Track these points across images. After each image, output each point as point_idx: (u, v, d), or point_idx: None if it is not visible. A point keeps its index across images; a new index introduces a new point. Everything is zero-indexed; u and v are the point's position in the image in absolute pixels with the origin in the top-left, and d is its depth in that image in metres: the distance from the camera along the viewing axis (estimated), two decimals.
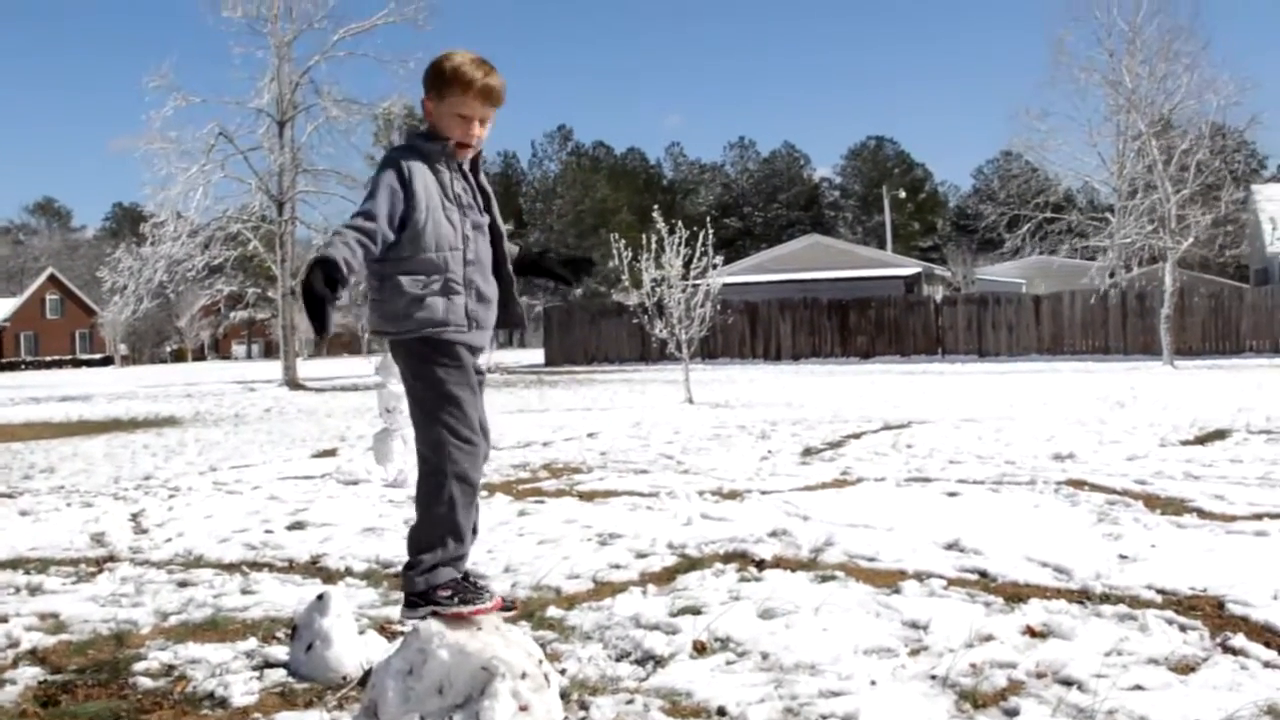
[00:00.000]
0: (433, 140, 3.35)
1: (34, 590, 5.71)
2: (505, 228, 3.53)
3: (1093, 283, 36.29)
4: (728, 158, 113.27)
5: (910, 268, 45.14)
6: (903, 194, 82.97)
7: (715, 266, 20.15)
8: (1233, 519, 6.55)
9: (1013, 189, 39.99)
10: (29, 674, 4.26)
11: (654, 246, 19.58)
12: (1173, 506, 7.02)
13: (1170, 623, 4.40)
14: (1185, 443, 10.61)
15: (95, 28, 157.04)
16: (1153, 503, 7.16)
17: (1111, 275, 36.84)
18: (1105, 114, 36.72)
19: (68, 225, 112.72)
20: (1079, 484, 8.00)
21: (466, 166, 3.42)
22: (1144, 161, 32.97)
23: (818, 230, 71.42)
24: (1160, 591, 4.89)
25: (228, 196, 33.71)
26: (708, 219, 20.84)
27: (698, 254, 19.70)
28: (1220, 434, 11.21)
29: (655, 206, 20.56)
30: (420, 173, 3.26)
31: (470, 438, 3.31)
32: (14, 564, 6.38)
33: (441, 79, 3.31)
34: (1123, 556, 5.58)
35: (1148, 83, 33.34)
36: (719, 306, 21.22)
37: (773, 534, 6.37)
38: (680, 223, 19.92)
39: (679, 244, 19.51)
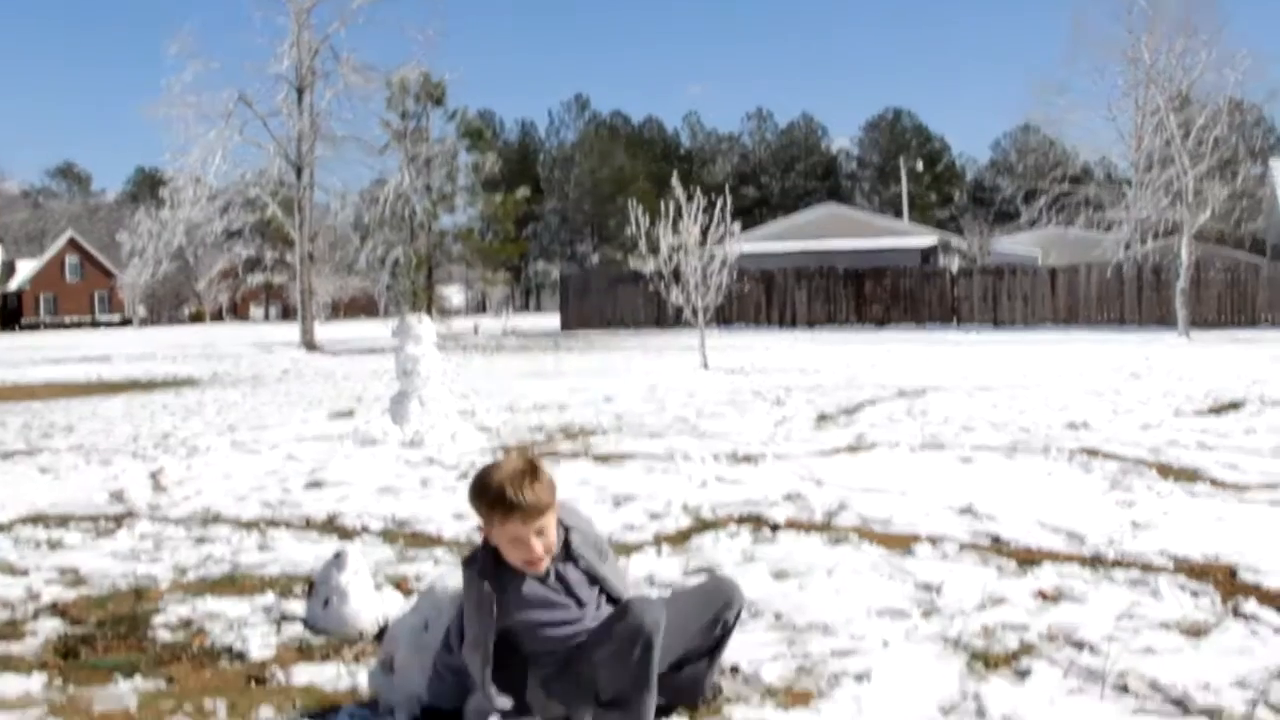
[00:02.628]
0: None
1: (54, 545, 5.78)
2: None
3: (1108, 255, 36.03)
4: (745, 128, 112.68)
5: (927, 238, 44.90)
6: (920, 165, 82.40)
7: (733, 234, 20.08)
8: (1245, 488, 6.54)
9: (1030, 162, 39.74)
10: (49, 626, 4.32)
11: (672, 213, 19.52)
12: (1186, 475, 7.01)
13: (1182, 588, 4.41)
14: (1199, 413, 10.57)
15: None
16: (1166, 471, 7.15)
17: (1127, 248, 36.59)
18: (1124, 89, 36.43)
19: (88, 189, 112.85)
20: (1092, 452, 7.99)
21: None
22: (1162, 136, 32.65)
23: (835, 200, 71.11)
24: (1172, 558, 4.90)
25: (246, 161, 33.82)
26: (726, 187, 20.74)
27: (715, 221, 19.63)
28: (1234, 405, 11.17)
29: (674, 173, 20.47)
30: None
31: None
32: (34, 520, 6.45)
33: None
34: (1135, 523, 5.59)
35: (1166, 58, 33.03)
36: (735, 274, 21.15)
37: (787, 497, 6.40)
38: (698, 189, 19.85)
39: (696, 211, 19.45)
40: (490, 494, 2.98)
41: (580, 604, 3.06)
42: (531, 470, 3.02)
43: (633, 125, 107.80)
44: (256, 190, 33.56)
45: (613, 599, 3.09)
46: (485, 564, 3.04)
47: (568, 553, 3.09)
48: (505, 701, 3.03)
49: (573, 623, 3.03)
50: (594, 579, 3.10)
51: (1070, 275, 35.58)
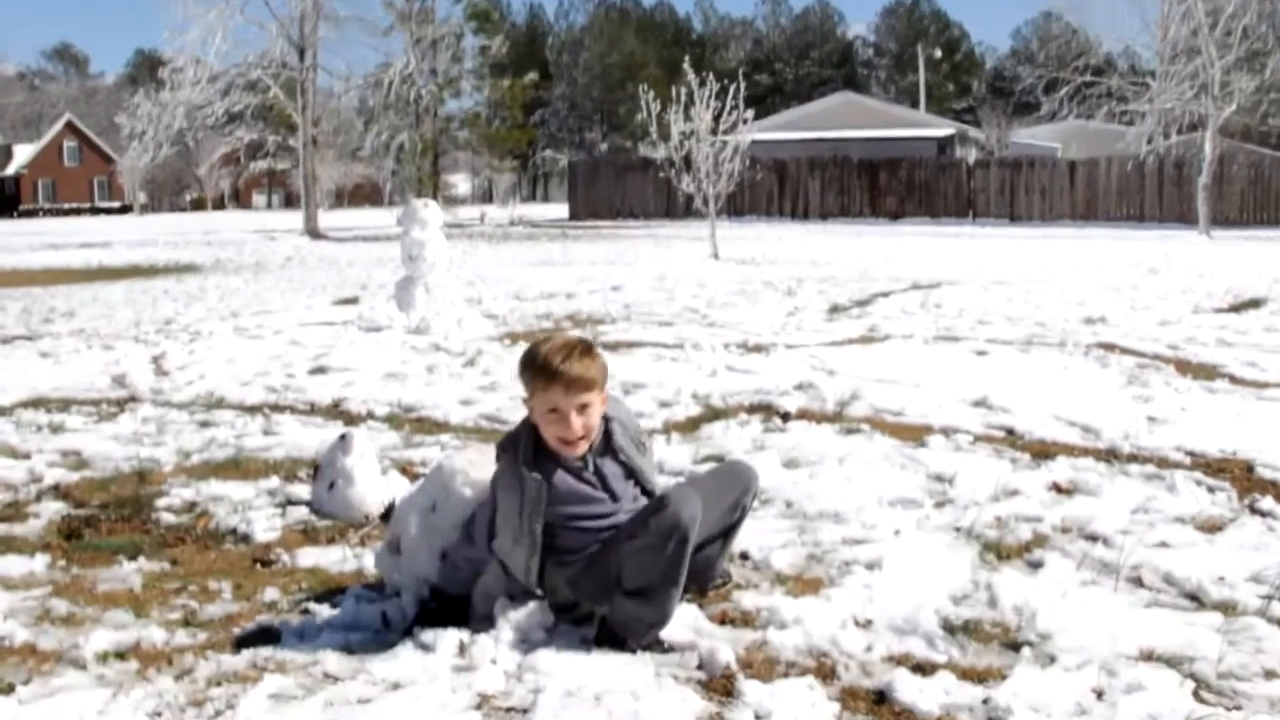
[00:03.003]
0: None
1: (56, 429, 5.74)
2: None
3: (1130, 149, 35.44)
4: (759, 12, 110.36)
5: (943, 129, 44.21)
6: (938, 54, 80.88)
7: (745, 122, 19.73)
8: (1264, 386, 6.46)
9: (1052, 51, 38.79)
10: (52, 508, 4.29)
11: (684, 100, 19.16)
12: (1204, 372, 6.93)
13: (1198, 484, 4.35)
14: (1219, 310, 10.45)
15: None
16: (1184, 368, 7.07)
17: (1150, 141, 35.94)
18: None
19: (86, 71, 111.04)
20: (1109, 347, 7.90)
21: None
22: (1189, 25, 31.78)
23: (850, 89, 69.87)
24: (1189, 453, 4.84)
25: (248, 42, 33.25)
26: (739, 73, 20.32)
27: (728, 108, 19.28)
28: (1255, 303, 11.03)
29: (686, 59, 20.05)
30: None
31: None
32: (36, 403, 6.41)
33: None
34: (1152, 418, 5.52)
35: None
36: (748, 162, 20.85)
37: (798, 387, 6.32)
38: (711, 76, 19.46)
39: (709, 97, 19.09)
40: (537, 359, 2.91)
41: (615, 498, 2.98)
42: (584, 346, 2.96)
43: (644, 9, 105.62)
44: (258, 72, 32.98)
45: (647, 492, 3.03)
46: (526, 453, 2.96)
47: (608, 445, 3.01)
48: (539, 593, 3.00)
49: (606, 516, 2.96)
50: (630, 472, 3.03)
51: (1090, 169, 35.08)
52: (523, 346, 7.87)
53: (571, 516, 2.96)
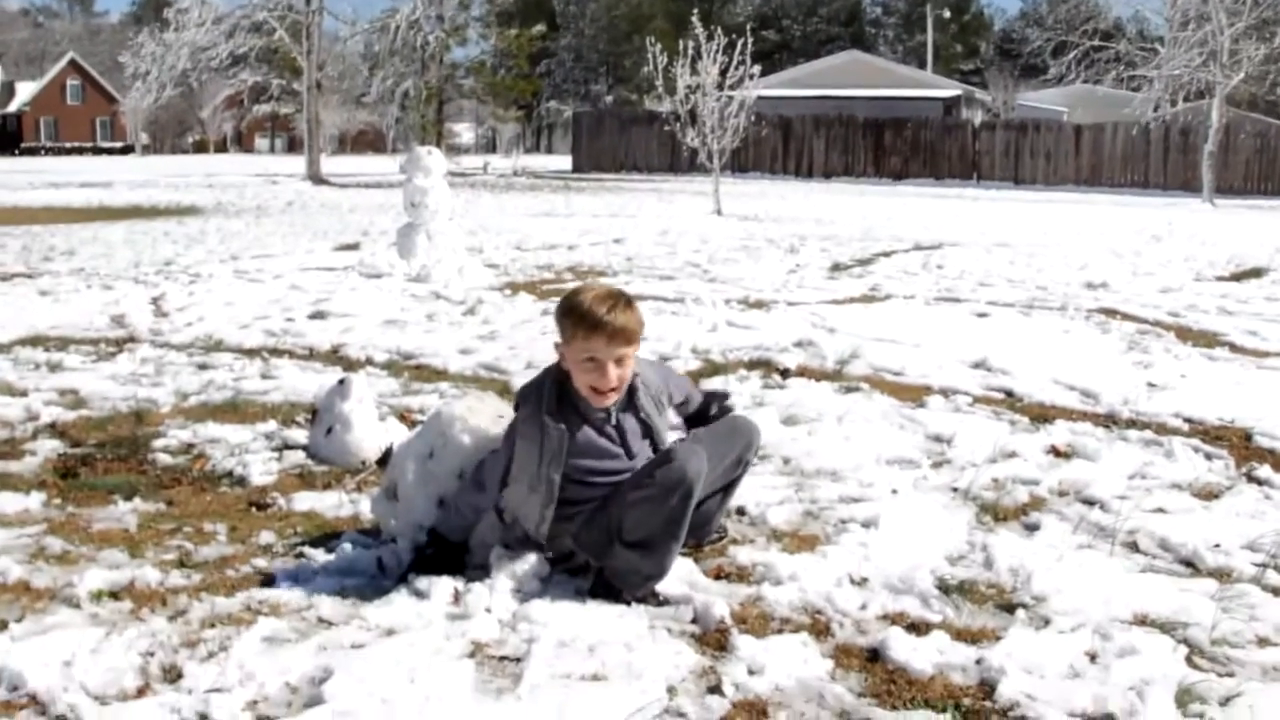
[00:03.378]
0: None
1: (54, 367, 5.72)
2: None
3: (1136, 115, 35.20)
4: None
5: (950, 90, 43.88)
6: (947, 14, 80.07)
7: (752, 78, 19.57)
8: (1265, 355, 6.46)
9: (1061, 14, 38.44)
10: (49, 446, 4.28)
11: (690, 53, 19.00)
12: (1205, 339, 6.92)
13: (1196, 450, 4.35)
14: (1221, 279, 10.42)
15: None
16: (1184, 335, 7.06)
17: (1156, 108, 35.71)
18: None
19: (90, 9, 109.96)
20: (1111, 312, 7.88)
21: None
22: None
23: (857, 47, 69.27)
24: (1187, 420, 4.84)
25: None
26: (747, 28, 20.13)
27: (734, 63, 19.12)
28: (1257, 272, 11.00)
29: (694, 13, 19.86)
30: None
31: None
32: (34, 341, 6.39)
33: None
34: (1151, 384, 5.51)
35: None
36: (753, 118, 20.70)
37: (798, 344, 6.31)
38: (718, 30, 19.28)
39: (716, 52, 18.93)
40: (580, 307, 2.88)
41: (630, 455, 2.97)
42: (626, 298, 2.94)
43: None
44: (264, 14, 32.64)
45: (658, 449, 3.02)
46: (549, 402, 2.94)
47: (630, 401, 3.00)
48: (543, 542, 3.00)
49: (619, 473, 2.95)
50: (649, 431, 3.01)
51: (1095, 134, 34.89)
52: (525, 298, 7.91)
53: (587, 470, 2.95)
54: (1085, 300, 8.51)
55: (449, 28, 39.08)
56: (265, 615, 2.76)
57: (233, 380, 5.42)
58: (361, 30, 36.50)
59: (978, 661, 2.55)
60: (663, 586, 2.90)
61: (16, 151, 73.44)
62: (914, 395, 5.19)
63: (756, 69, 19.75)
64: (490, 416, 3.22)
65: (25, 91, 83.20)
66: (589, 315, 2.85)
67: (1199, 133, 30.89)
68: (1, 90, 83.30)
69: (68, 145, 79.15)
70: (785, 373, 5.61)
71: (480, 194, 25.53)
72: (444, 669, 2.49)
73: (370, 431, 4.12)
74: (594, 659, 2.55)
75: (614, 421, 2.97)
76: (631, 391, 2.99)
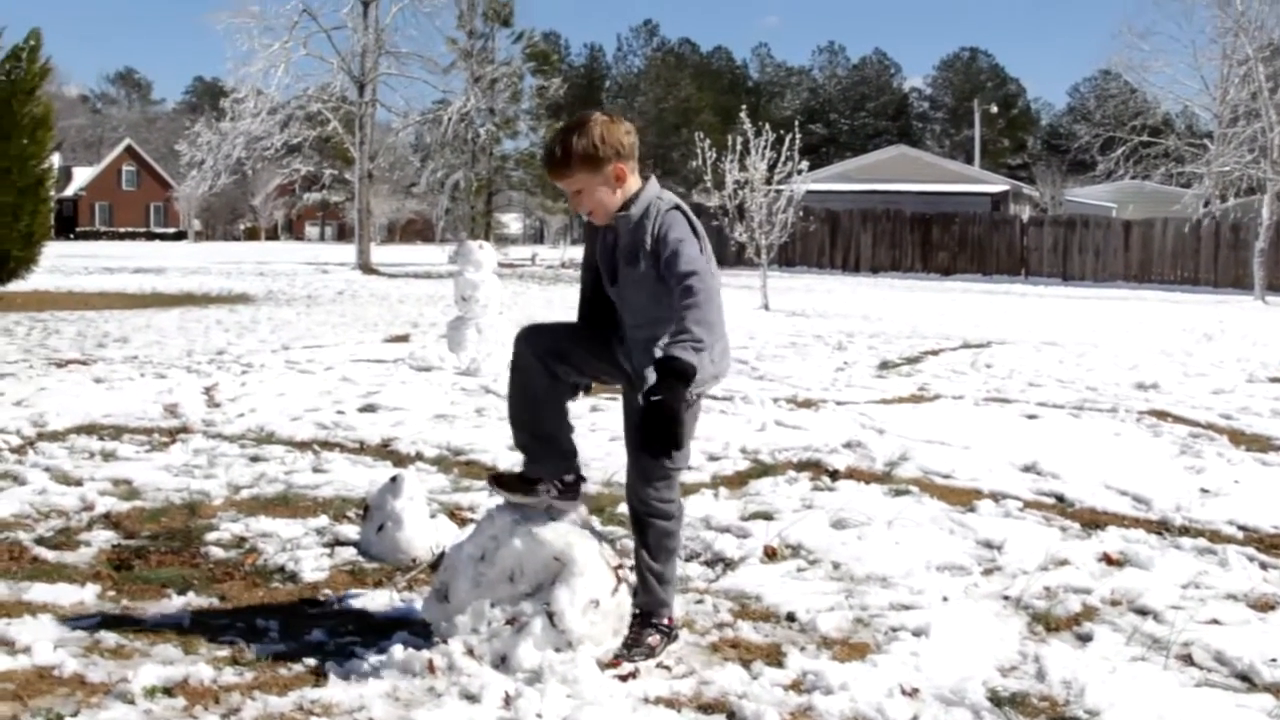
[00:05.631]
0: None
1: (108, 456, 5.81)
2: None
3: (1186, 211, 35.09)
4: (816, 62, 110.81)
5: (998, 185, 44.02)
6: (994, 109, 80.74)
7: (800, 172, 19.76)
8: None
9: (1109, 109, 38.50)
10: (103, 537, 4.34)
11: (739, 148, 19.21)
12: (1258, 443, 6.82)
13: (1251, 559, 4.29)
14: (1274, 380, 10.28)
15: None
16: (1237, 438, 6.96)
17: (1206, 204, 35.60)
18: (1211, 36, 35.00)
19: (147, 97, 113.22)
20: (1162, 415, 7.79)
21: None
22: (1249, 88, 31.52)
23: (905, 142, 69.79)
24: (1241, 528, 4.77)
25: (309, 75, 33.65)
26: (795, 123, 20.37)
27: (783, 158, 19.31)
28: None
29: (743, 107, 20.14)
30: None
31: None
32: (88, 429, 6.50)
33: None
34: (1204, 490, 5.44)
35: (1258, 4, 31.76)
36: (801, 213, 20.85)
37: (847, 445, 6.29)
38: (766, 125, 19.51)
39: (764, 146, 19.13)
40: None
41: (613, 281, 3.23)
42: (563, 134, 3.13)
43: (701, 54, 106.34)
44: (318, 105, 33.47)
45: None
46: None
47: (632, 229, 3.15)
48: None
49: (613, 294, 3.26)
50: (633, 259, 3.17)
51: (1145, 230, 34.77)
52: None
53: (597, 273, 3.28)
54: (1136, 401, 8.44)
55: (499, 120, 39.83)
56: (317, 716, 2.77)
57: (284, 473, 5.48)
58: (413, 122, 37.26)
59: None
60: (717, 690, 2.87)
61: (72, 235, 75.26)
62: (964, 499, 5.16)
63: (804, 164, 19.93)
64: (541, 516, 3.24)
65: (82, 176, 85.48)
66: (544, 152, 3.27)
67: (1250, 229, 30.72)
68: (59, 175, 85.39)
69: (122, 230, 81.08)
70: (834, 474, 5.59)
71: (529, 285, 25.80)
72: None
73: (421, 529, 4.16)
74: None
75: (610, 238, 3.23)
76: (639, 225, 3.14)
